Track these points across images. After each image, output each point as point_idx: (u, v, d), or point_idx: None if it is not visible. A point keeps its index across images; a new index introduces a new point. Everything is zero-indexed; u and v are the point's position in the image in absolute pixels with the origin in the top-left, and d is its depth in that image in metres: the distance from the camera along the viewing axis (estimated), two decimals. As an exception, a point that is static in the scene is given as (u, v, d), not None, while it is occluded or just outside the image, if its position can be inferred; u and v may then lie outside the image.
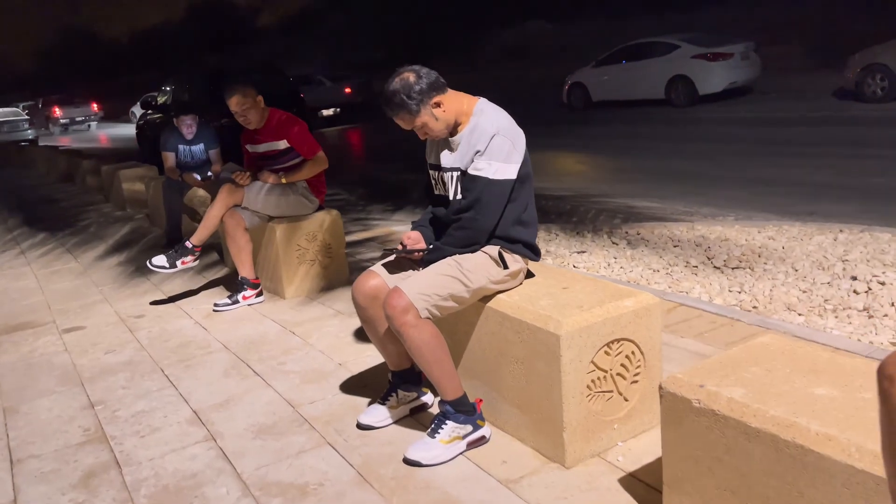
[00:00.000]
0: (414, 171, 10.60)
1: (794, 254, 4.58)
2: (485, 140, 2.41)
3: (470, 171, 2.45)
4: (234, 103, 4.17)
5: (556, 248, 5.30)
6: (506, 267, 2.53)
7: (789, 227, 5.23)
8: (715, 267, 4.52)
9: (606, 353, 2.30)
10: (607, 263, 4.84)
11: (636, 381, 2.39)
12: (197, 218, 6.26)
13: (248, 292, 4.38)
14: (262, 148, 4.38)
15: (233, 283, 4.56)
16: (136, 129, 14.68)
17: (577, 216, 6.56)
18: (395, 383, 2.73)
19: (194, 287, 4.89)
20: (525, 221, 2.57)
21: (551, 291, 2.51)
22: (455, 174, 2.52)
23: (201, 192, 6.25)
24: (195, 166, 6.25)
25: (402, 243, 2.66)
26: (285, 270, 4.43)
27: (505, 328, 2.44)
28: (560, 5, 29.30)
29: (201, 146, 6.24)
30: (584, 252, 5.11)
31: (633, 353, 2.36)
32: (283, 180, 4.31)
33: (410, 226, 3.01)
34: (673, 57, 14.04)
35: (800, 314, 3.70)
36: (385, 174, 10.38)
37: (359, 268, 4.92)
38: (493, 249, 2.53)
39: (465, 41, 33.06)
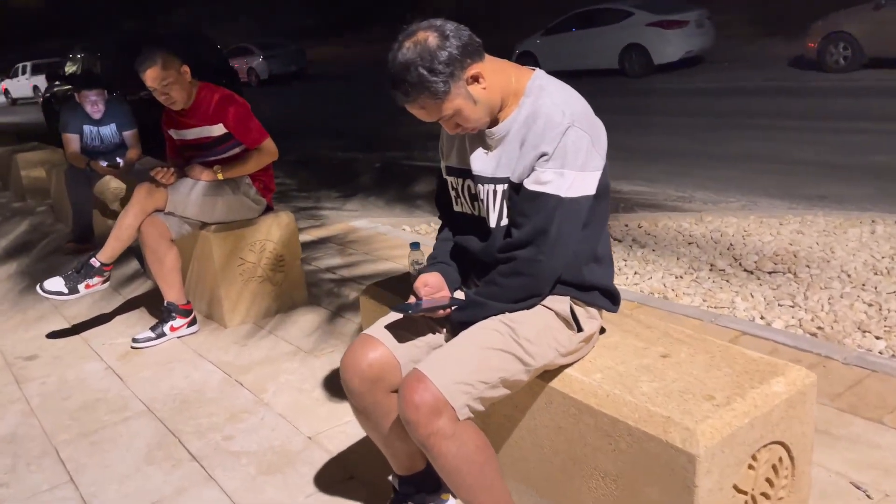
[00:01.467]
0: (362, 149, 9.74)
1: (836, 254, 3.90)
2: (554, 136, 1.55)
3: (529, 186, 1.58)
4: (152, 76, 3.15)
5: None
6: (580, 329, 1.68)
7: (813, 217, 4.56)
8: (747, 271, 3.80)
9: (751, 466, 1.49)
10: (618, 268, 4.06)
11: (781, 500, 1.59)
12: (110, 214, 5.17)
13: (178, 321, 3.40)
14: (191, 134, 3.38)
15: (157, 308, 3.57)
16: (42, 102, 13.09)
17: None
18: (404, 494, 1.86)
19: (107, 310, 3.86)
20: (600, 257, 1.72)
21: (646, 362, 1.68)
22: (500, 188, 1.65)
23: (115, 183, 5.15)
24: (105, 151, 5.13)
25: (414, 293, 1.77)
26: (226, 291, 3.47)
27: (584, 425, 1.60)
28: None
29: (112, 127, 5.13)
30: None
31: (780, 460, 1.56)
32: (220, 176, 3.33)
33: (410, 255, 2.13)
34: (626, 24, 13.37)
35: (878, 337, 3.00)
36: (329, 152, 9.33)
37: (318, 282, 3.99)
38: (560, 303, 1.67)
39: (402, 7, 31.72)
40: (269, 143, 3.36)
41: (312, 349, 3.16)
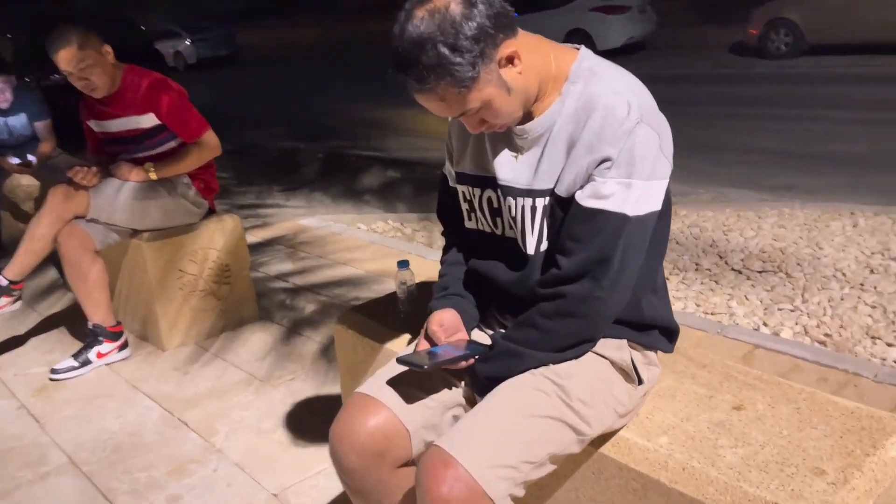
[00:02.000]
0: (303, 139, 9.16)
1: (824, 250, 3.69)
2: (618, 135, 1.18)
3: (585, 202, 1.21)
4: (66, 58, 2.63)
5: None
6: (640, 381, 1.32)
7: (790, 210, 4.37)
8: (735, 270, 3.55)
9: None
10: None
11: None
12: (23, 217, 4.56)
13: (106, 346, 2.91)
14: (116, 126, 2.87)
15: (81, 330, 3.06)
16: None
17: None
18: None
19: (20, 332, 3.32)
20: (659, 286, 1.37)
21: (718, 416, 1.34)
22: (540, 203, 1.27)
23: (26, 181, 4.53)
24: (15, 146, 4.51)
25: (427, 338, 1.38)
26: (163, 309, 2.99)
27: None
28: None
29: (22, 118, 4.50)
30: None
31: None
32: (153, 175, 2.85)
33: (397, 275, 1.75)
34: (570, 9, 13.16)
35: (890, 344, 2.78)
36: (267, 142, 8.75)
37: (268, 292, 3.53)
38: (617, 350, 1.31)
39: (330, -9, 30.85)
40: (210, 136, 2.88)
41: (268, 376, 2.73)
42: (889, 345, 2.78)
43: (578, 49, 1.28)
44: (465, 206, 1.44)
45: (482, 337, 1.44)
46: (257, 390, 2.63)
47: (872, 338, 2.84)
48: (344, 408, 1.34)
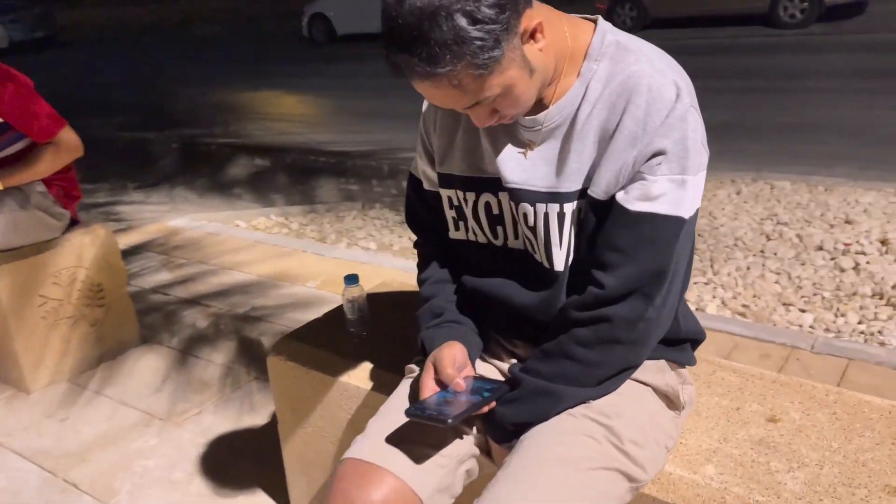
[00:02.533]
0: (150, 127, 8.29)
1: (719, 219, 3.78)
2: (670, 122, 0.97)
3: (631, 205, 0.99)
4: None
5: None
6: (681, 407, 1.15)
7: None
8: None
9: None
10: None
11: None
12: None
13: (-47, 396, 2.38)
14: (-59, 127, 2.32)
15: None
16: None
17: (395, 178, 5.19)
18: None
19: None
20: (684, 296, 1.19)
21: (757, 433, 1.20)
22: (568, 209, 1.05)
23: None
24: None
25: (434, 379, 1.12)
26: (24, 344, 2.49)
27: (708, 547, 1.09)
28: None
29: None
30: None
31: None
32: (-2, 185, 2.34)
33: (345, 291, 1.48)
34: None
35: (802, 310, 2.85)
36: (109, 132, 7.88)
37: (147, 309, 3.08)
38: (658, 373, 1.13)
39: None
40: (66, 134, 2.40)
41: (169, 412, 2.34)
42: (802, 311, 2.85)
43: (595, 21, 1.06)
44: (451, 214, 1.19)
45: (488, 370, 1.21)
46: (159, 431, 2.24)
47: (785, 304, 2.90)
48: (336, 480, 1.06)
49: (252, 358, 2.64)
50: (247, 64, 12.47)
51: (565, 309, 1.05)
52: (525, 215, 1.07)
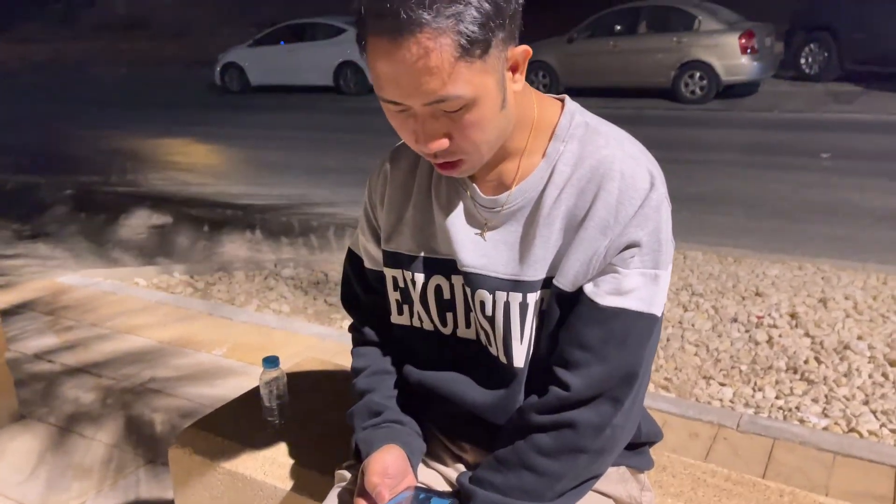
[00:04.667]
0: (41, 171, 7.70)
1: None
2: (645, 213, 0.90)
3: (601, 299, 0.90)
4: None
5: (329, 299, 3.74)
6: (643, 514, 1.05)
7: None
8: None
9: None
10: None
11: None
12: None
13: None
14: None
15: None
16: None
17: (309, 235, 5.03)
18: None
19: None
20: (642, 395, 1.10)
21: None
22: (532, 298, 0.94)
23: None
24: None
25: (362, 490, 0.97)
26: None
27: None
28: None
29: None
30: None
31: None
32: None
33: (263, 374, 1.32)
34: (340, 41, 12.97)
35: (722, 384, 2.86)
36: (-6, 177, 7.33)
37: (26, 379, 2.76)
38: (619, 481, 1.03)
39: (64, 4, 27.76)
40: None
41: (49, 501, 2.05)
42: (721, 384, 2.86)
43: (562, 100, 0.99)
44: (394, 297, 1.07)
45: (431, 476, 1.07)
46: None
47: (705, 378, 2.91)
48: None
49: (144, 438, 2.37)
50: (152, 110, 12.04)
51: (524, 411, 0.94)
52: (482, 303, 0.96)
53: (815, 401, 2.64)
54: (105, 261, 4.58)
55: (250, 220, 5.45)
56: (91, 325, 3.27)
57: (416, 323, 1.05)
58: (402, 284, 1.05)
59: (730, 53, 9.76)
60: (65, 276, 3.96)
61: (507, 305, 0.94)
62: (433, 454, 1.10)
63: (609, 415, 0.91)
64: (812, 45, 10.60)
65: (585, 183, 0.91)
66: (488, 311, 0.96)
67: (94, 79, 17.31)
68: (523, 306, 0.94)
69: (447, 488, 1.05)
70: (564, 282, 0.92)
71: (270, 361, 1.43)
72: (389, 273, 1.06)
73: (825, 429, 2.42)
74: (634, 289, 0.90)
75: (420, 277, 1.02)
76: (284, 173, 7.17)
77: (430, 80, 0.79)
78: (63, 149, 8.95)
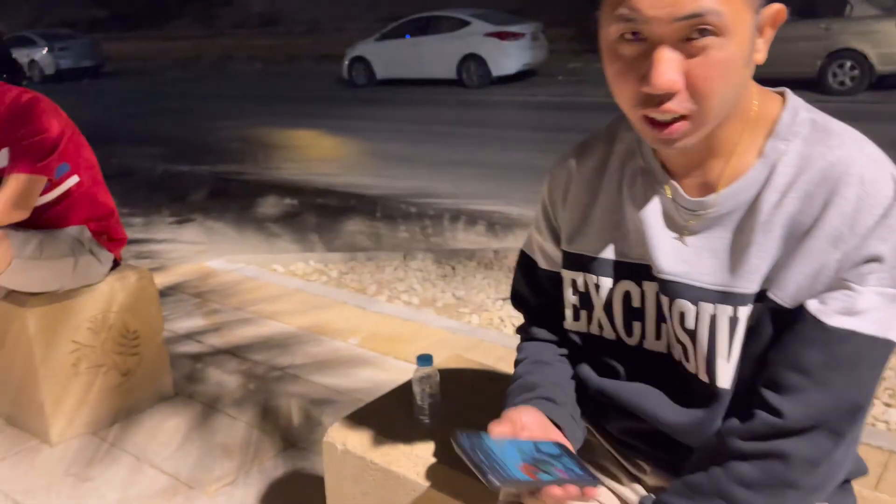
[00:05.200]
0: (186, 160, 8.24)
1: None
2: (889, 223, 0.79)
3: (829, 319, 0.80)
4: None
5: (457, 293, 3.73)
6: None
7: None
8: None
9: None
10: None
11: None
12: None
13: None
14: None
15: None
16: None
17: (435, 227, 5.05)
18: None
19: None
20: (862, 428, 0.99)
21: None
22: (744, 312, 0.85)
23: None
24: None
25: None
26: (50, 391, 2.33)
27: None
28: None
29: None
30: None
31: None
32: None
33: (416, 372, 1.31)
34: (463, 34, 13.05)
35: (888, 405, 2.61)
36: (146, 163, 7.87)
37: (177, 358, 2.92)
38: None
39: (201, 3, 29.53)
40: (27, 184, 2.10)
41: (197, 480, 2.15)
42: (887, 405, 2.62)
43: (782, 94, 0.89)
44: (572, 301, 1.01)
45: (603, 494, 1.02)
46: (187, 502, 2.05)
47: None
48: None
49: (283, 423, 2.45)
50: (285, 103, 12.58)
51: (724, 436, 0.86)
52: (682, 314, 0.89)
53: None
54: (246, 245, 4.81)
55: (379, 211, 5.56)
56: (235, 308, 3.43)
57: (595, 330, 1.00)
58: (582, 289, 0.99)
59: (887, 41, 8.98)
60: (211, 260, 4.18)
61: (713, 319, 0.86)
62: (604, 469, 1.04)
63: (828, 449, 0.81)
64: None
65: (814, 187, 0.81)
66: (689, 324, 0.88)
67: (232, 74, 18.31)
68: (733, 321, 0.85)
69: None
70: (783, 296, 0.83)
71: (424, 359, 1.42)
72: (569, 276, 1.01)
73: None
74: (869, 309, 0.79)
75: (606, 282, 0.96)
76: (409, 165, 7.27)
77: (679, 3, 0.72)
78: (203, 139, 9.50)
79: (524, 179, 6.43)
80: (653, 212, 0.91)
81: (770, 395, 0.83)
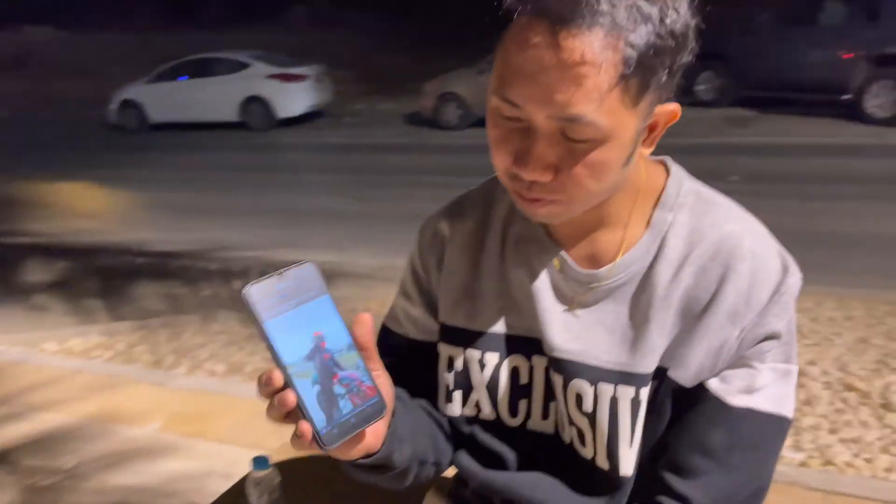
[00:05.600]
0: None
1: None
2: (781, 301, 0.77)
3: (730, 398, 0.77)
4: None
5: (268, 354, 3.47)
6: None
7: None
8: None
9: None
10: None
11: None
12: None
13: None
14: None
15: None
16: None
17: (236, 285, 4.73)
18: None
19: None
20: None
21: None
22: (644, 393, 0.79)
23: None
24: None
25: None
26: None
27: None
28: (72, 11, 25.02)
29: None
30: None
31: None
32: None
33: (250, 476, 1.15)
34: (245, 76, 12.68)
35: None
36: None
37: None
38: None
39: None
40: None
41: None
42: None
43: (661, 161, 0.86)
44: (447, 380, 0.90)
45: None
46: None
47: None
48: None
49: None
50: (40, 151, 11.26)
51: None
52: (579, 396, 0.81)
53: (783, 433, 2.63)
54: (5, 323, 4.13)
55: (165, 269, 5.09)
56: (-2, 402, 2.90)
57: (470, 412, 0.89)
58: (459, 367, 0.88)
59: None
60: (-41, 346, 3.52)
61: (613, 401, 0.80)
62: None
63: None
64: (707, 73, 11.13)
65: (708, 261, 0.78)
66: (587, 407, 0.81)
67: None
68: (635, 403, 0.80)
69: None
70: (684, 375, 0.78)
71: (260, 463, 1.22)
72: (446, 352, 0.89)
73: (803, 464, 2.39)
74: (765, 386, 0.78)
75: (493, 357, 0.87)
76: (198, 217, 6.80)
77: (574, 92, 0.65)
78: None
79: (324, 225, 6.29)
80: (540, 282, 0.84)
81: (674, 480, 0.78)
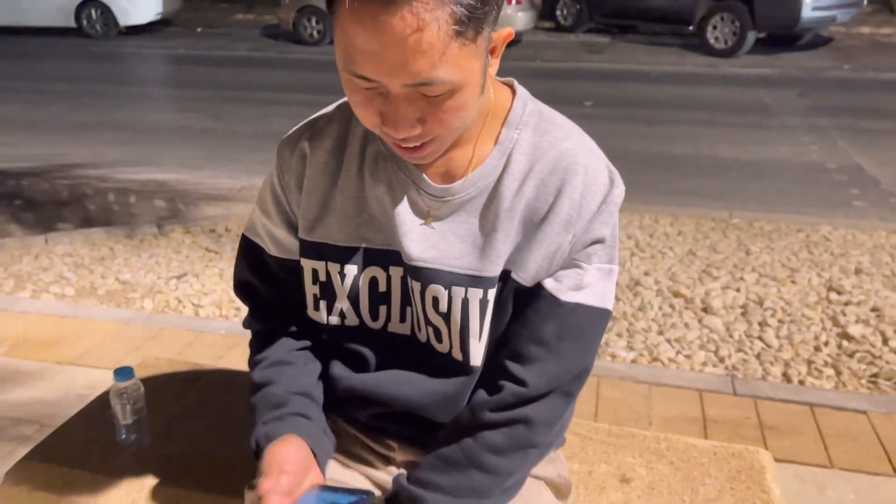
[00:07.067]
0: None
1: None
2: (607, 209, 0.89)
3: (563, 295, 0.89)
4: None
5: (121, 276, 3.36)
6: (568, 495, 1.08)
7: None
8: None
9: None
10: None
11: None
12: None
13: None
14: None
15: None
16: None
17: (94, 204, 4.48)
18: None
19: None
20: None
21: (614, 497, 1.19)
22: (492, 294, 0.90)
23: None
24: None
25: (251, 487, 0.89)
26: None
27: None
28: None
29: None
30: (185, 276, 3.37)
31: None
32: None
33: (113, 388, 1.18)
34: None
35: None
36: None
37: None
38: (551, 463, 1.04)
39: None
40: None
41: None
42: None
43: (509, 83, 0.93)
44: (312, 291, 0.96)
45: (351, 477, 1.01)
46: None
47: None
48: None
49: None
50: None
51: (474, 409, 0.91)
52: (436, 299, 0.90)
53: (619, 335, 2.91)
54: None
55: (3, 188, 4.69)
56: None
57: (335, 320, 0.96)
58: (323, 278, 0.95)
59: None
60: None
61: (465, 302, 0.89)
62: (353, 455, 1.03)
63: (561, 410, 0.92)
64: (565, -1, 11.37)
65: (547, 176, 0.88)
66: (443, 308, 0.90)
67: None
68: (483, 303, 0.90)
69: (374, 489, 0.99)
70: (525, 277, 0.89)
71: (123, 373, 1.24)
72: (309, 265, 0.95)
73: (633, 361, 2.69)
74: (591, 283, 0.90)
75: (352, 269, 0.93)
76: (33, 131, 6.25)
77: (419, 60, 0.70)
78: None
79: (174, 143, 5.97)
80: (397, 199, 0.91)
81: (514, 367, 0.90)
